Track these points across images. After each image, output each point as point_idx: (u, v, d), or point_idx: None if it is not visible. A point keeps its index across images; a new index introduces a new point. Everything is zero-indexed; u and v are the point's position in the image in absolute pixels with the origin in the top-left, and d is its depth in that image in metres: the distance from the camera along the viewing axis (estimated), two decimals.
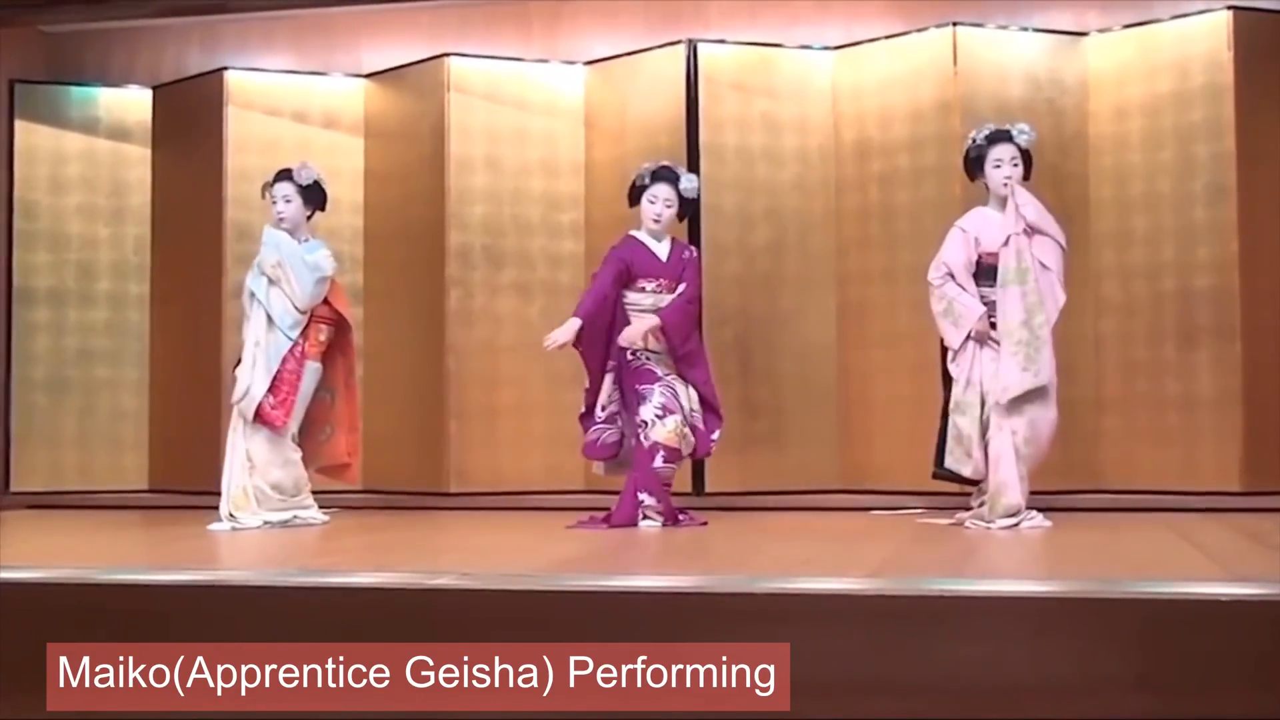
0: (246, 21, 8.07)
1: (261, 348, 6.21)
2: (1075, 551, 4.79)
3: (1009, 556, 4.69)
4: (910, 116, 7.01)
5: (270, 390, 6.18)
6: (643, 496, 5.95)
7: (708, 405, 6.15)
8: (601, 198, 7.29)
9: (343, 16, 8.01)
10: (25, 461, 7.84)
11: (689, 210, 6.31)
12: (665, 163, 6.26)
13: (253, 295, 6.30)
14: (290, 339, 6.25)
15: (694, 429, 6.12)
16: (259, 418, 6.17)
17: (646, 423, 5.99)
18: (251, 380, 6.17)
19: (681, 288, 6.12)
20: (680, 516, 6.03)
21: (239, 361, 6.31)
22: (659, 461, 5.97)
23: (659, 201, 6.14)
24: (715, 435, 6.17)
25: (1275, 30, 6.67)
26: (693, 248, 6.35)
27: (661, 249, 6.18)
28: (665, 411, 5.99)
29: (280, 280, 6.24)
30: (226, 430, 6.38)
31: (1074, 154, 6.94)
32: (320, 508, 6.39)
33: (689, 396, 6.10)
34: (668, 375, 6.08)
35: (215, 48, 8.16)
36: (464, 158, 7.39)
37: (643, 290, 6.14)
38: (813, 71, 7.33)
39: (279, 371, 6.21)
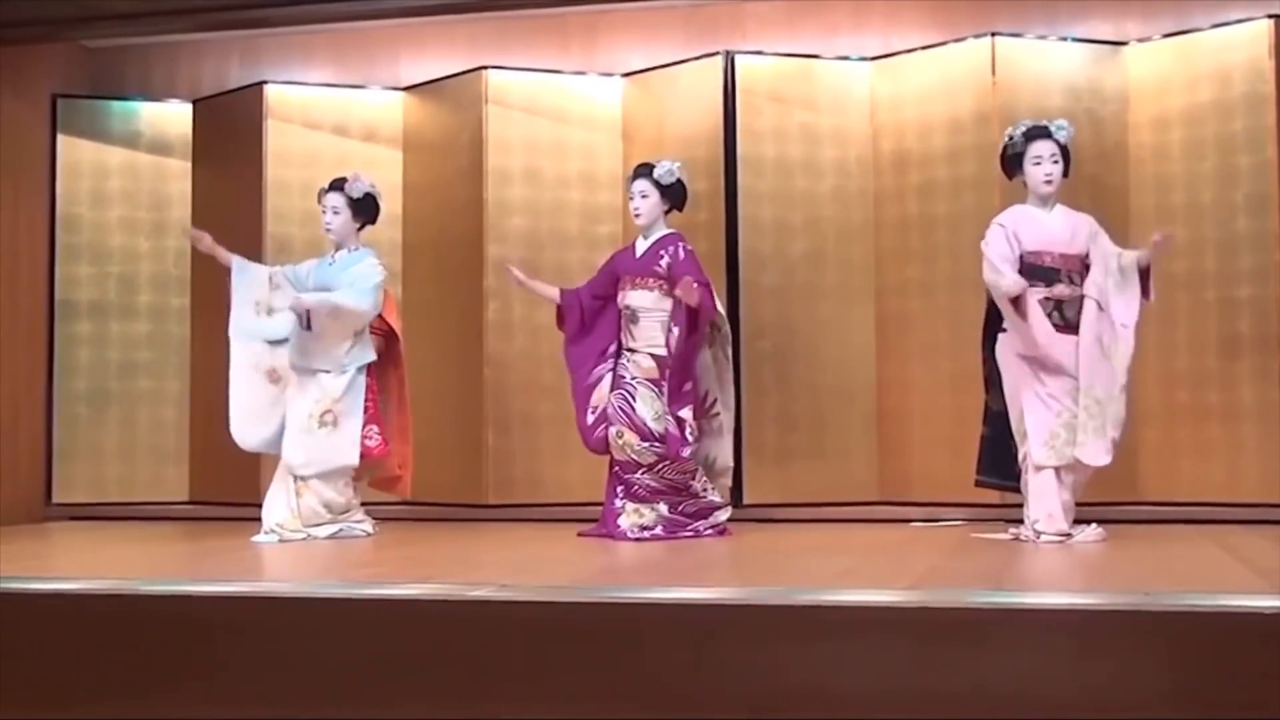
0: (286, 35, 8.11)
1: (341, 403, 6.11)
2: (1116, 564, 4.75)
3: (1049, 569, 4.65)
4: (949, 127, 7.00)
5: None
6: (619, 505, 6.02)
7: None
8: None
9: (381, 30, 8.05)
10: (67, 473, 7.91)
11: (677, 196, 6.17)
12: (643, 162, 6.26)
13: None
14: (361, 366, 6.19)
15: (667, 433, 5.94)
16: (365, 459, 6.19)
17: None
18: (339, 438, 6.11)
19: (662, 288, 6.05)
20: (701, 527, 6.05)
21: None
22: (620, 470, 6.03)
23: (635, 197, 6.16)
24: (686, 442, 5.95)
25: None
26: (683, 245, 6.10)
27: (641, 245, 6.17)
28: (612, 420, 6.02)
29: (336, 311, 6.11)
30: None
31: (1114, 164, 6.90)
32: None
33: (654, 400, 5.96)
34: (634, 380, 6.00)
35: (255, 61, 8.23)
36: (502, 170, 7.42)
37: (623, 289, 6.15)
38: (851, 82, 7.32)
39: (365, 404, 6.21)
